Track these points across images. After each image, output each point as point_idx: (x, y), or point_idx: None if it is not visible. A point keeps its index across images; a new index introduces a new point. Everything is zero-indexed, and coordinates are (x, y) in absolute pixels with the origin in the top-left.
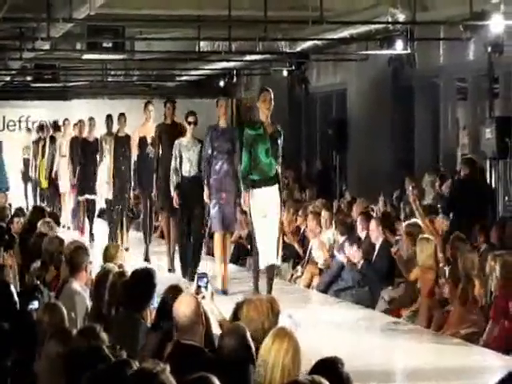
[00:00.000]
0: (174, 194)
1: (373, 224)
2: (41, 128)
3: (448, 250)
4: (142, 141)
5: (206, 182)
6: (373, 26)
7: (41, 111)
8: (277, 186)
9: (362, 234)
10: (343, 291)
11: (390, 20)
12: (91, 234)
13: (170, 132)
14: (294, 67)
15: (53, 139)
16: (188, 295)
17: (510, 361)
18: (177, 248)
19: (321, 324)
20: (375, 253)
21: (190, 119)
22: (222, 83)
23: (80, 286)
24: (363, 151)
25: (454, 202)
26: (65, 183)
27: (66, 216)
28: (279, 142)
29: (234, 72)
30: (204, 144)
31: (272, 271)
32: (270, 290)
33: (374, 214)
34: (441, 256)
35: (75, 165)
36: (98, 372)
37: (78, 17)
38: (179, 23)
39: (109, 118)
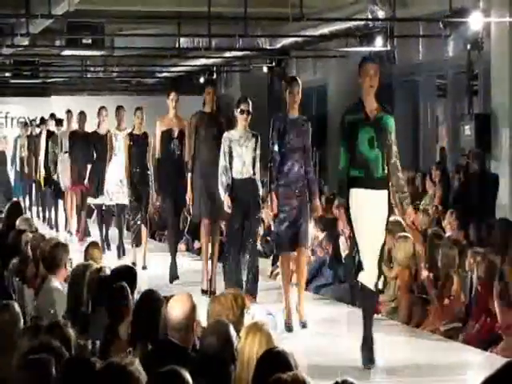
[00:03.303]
0: (224, 196)
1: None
2: (42, 121)
3: (427, 246)
4: (165, 135)
5: (271, 187)
6: (353, 23)
7: (20, 107)
8: (385, 192)
9: (346, 230)
10: (323, 287)
11: (369, 17)
12: (107, 244)
13: (209, 123)
14: (274, 64)
15: (51, 134)
16: (185, 295)
17: (489, 357)
18: (219, 265)
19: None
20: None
21: (243, 107)
22: (201, 80)
23: (60, 283)
24: None
25: (464, 197)
26: (66, 182)
27: (68, 219)
28: (389, 130)
29: (214, 68)
30: (269, 139)
31: (372, 301)
32: (369, 322)
33: None
34: (421, 250)
35: (84, 162)
36: (63, 368)
37: (57, 13)
38: (159, 20)
39: (120, 109)
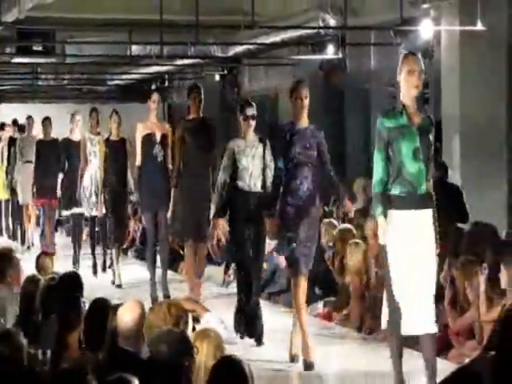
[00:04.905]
0: (213, 218)
1: None
2: (1, 127)
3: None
4: (147, 140)
5: (277, 208)
6: (304, 31)
7: None
8: (430, 210)
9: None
10: (277, 295)
11: (321, 25)
12: (77, 261)
13: (196, 131)
14: (226, 71)
15: (12, 141)
16: (134, 302)
17: (441, 363)
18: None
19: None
20: None
21: (248, 112)
22: (153, 87)
23: (8, 293)
24: None
25: None
26: (27, 194)
27: (29, 234)
28: (432, 139)
29: (166, 76)
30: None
31: (429, 347)
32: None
33: None
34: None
35: (53, 173)
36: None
37: (7, 20)
38: (110, 27)
39: (93, 111)
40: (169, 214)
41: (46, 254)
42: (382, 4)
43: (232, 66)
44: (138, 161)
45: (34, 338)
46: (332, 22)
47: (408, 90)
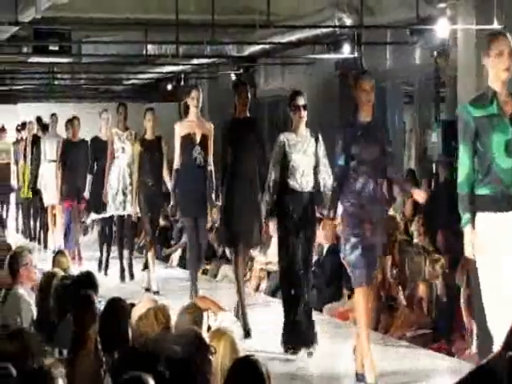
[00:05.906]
0: (264, 222)
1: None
2: (23, 126)
3: (396, 253)
4: (186, 141)
5: (330, 213)
6: (320, 30)
7: None
8: None
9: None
10: None
11: (337, 24)
12: (106, 266)
13: (244, 129)
14: (241, 71)
15: (36, 139)
16: (148, 301)
17: (455, 362)
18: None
19: (268, 328)
20: (323, 255)
21: (299, 101)
22: (169, 87)
23: (25, 291)
24: None
25: (435, 206)
26: (51, 194)
27: (53, 236)
28: None
29: (182, 76)
30: (335, 149)
31: None
32: None
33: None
34: (388, 257)
35: (82, 173)
36: None
37: (24, 20)
38: (126, 26)
39: (121, 107)
40: (215, 218)
41: (62, 252)
42: (397, 3)
43: (248, 66)
44: (177, 163)
45: (51, 337)
46: (348, 21)
47: (497, 74)
